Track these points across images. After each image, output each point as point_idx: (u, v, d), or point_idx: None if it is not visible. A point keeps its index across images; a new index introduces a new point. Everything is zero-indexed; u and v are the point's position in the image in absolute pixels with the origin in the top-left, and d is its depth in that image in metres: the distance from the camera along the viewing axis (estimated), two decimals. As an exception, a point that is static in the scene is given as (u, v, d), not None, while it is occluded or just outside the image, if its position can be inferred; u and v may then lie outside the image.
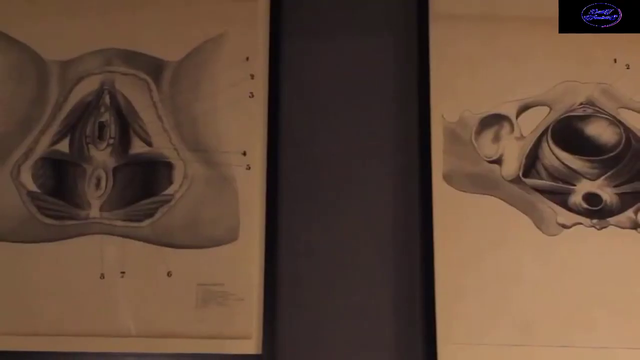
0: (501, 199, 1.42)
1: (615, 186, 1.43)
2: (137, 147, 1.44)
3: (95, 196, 1.42)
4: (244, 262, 1.39)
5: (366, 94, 1.50)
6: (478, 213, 1.42)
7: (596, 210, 1.42)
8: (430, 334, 1.35)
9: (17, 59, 1.48)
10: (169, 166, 1.43)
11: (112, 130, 1.45)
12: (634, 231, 1.41)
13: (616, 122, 1.47)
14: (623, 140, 1.46)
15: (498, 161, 1.45)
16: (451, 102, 1.47)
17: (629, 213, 1.42)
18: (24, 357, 1.34)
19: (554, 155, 1.45)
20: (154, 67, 1.48)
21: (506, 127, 1.46)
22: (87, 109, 1.46)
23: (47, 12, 1.51)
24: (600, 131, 1.46)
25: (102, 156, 1.44)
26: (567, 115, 1.47)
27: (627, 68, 1.49)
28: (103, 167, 1.43)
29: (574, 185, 1.43)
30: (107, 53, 1.49)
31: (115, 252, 1.39)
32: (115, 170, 1.43)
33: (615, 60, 1.49)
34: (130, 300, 1.37)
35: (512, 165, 1.44)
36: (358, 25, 1.53)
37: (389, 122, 1.48)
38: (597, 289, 1.38)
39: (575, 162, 1.44)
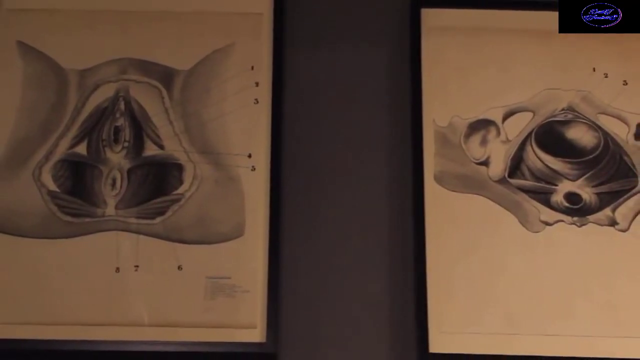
0: (488, 198, 1.45)
1: (594, 186, 1.46)
2: (150, 150, 1.47)
3: (111, 195, 1.44)
4: (249, 257, 1.41)
5: (363, 100, 1.52)
6: (467, 211, 1.44)
7: (576, 209, 1.45)
8: (423, 324, 1.37)
9: (38, 68, 1.51)
10: (179, 167, 1.46)
11: (126, 134, 1.48)
12: (611, 228, 1.44)
13: (595, 126, 1.50)
14: (601, 144, 1.49)
15: (485, 163, 1.48)
16: (442, 108, 1.50)
17: (607, 211, 1.45)
18: (44, 345, 1.34)
19: (537, 158, 1.47)
20: (166, 76, 1.51)
21: (493, 131, 1.49)
22: (103, 114, 1.49)
23: (66, 25, 1.53)
24: (580, 135, 1.49)
25: (117, 158, 1.47)
26: (549, 120, 1.50)
27: (605, 77, 1.52)
28: (118, 168, 1.46)
29: (556, 185, 1.46)
30: (122, 62, 1.52)
31: (130, 248, 1.41)
32: (129, 171, 1.46)
33: (594, 69, 1.53)
34: (144, 292, 1.39)
35: (498, 166, 1.47)
36: (355, 36, 1.57)
37: (384, 126, 1.51)
38: (577, 281, 1.40)
39: (557, 163, 1.47)
